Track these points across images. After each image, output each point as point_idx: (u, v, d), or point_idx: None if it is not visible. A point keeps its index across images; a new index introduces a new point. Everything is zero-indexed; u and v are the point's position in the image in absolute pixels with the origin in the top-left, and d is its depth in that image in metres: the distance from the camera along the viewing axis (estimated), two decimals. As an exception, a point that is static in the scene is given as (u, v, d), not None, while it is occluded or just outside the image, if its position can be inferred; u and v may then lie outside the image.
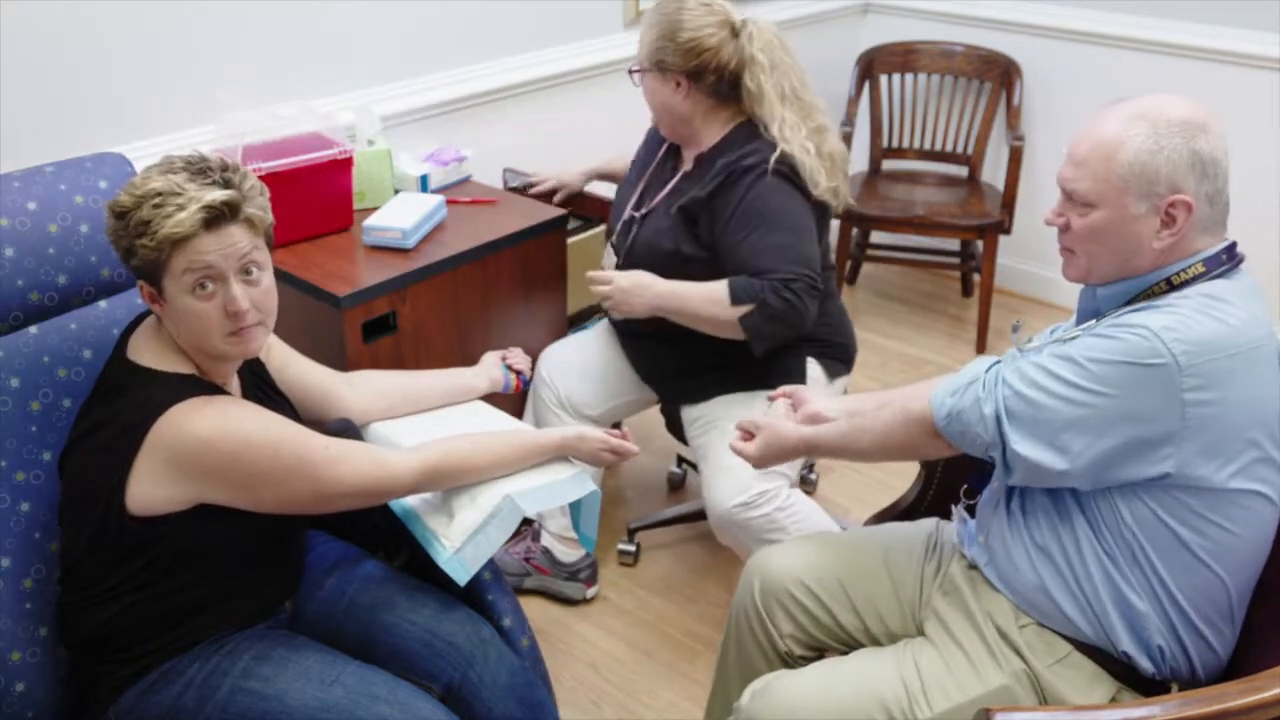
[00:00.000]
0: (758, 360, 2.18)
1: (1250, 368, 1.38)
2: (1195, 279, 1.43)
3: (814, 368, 2.29)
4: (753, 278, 2.08)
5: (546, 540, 2.51)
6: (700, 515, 2.78)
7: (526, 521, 2.46)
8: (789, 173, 2.12)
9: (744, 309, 2.07)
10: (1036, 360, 1.46)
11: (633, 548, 2.68)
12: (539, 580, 2.54)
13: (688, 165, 2.25)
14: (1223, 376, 1.36)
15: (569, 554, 2.52)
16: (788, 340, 2.16)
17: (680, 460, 2.99)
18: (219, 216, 1.40)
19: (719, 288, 2.10)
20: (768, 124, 2.15)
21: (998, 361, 1.56)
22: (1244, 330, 1.38)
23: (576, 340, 2.53)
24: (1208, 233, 1.44)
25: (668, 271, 2.17)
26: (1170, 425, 1.37)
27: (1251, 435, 1.40)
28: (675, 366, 2.32)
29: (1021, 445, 1.44)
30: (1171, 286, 1.43)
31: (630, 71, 2.24)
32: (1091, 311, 1.53)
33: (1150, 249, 1.43)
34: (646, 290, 2.16)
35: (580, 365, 2.44)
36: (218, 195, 1.40)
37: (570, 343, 2.52)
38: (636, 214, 2.29)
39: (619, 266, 2.29)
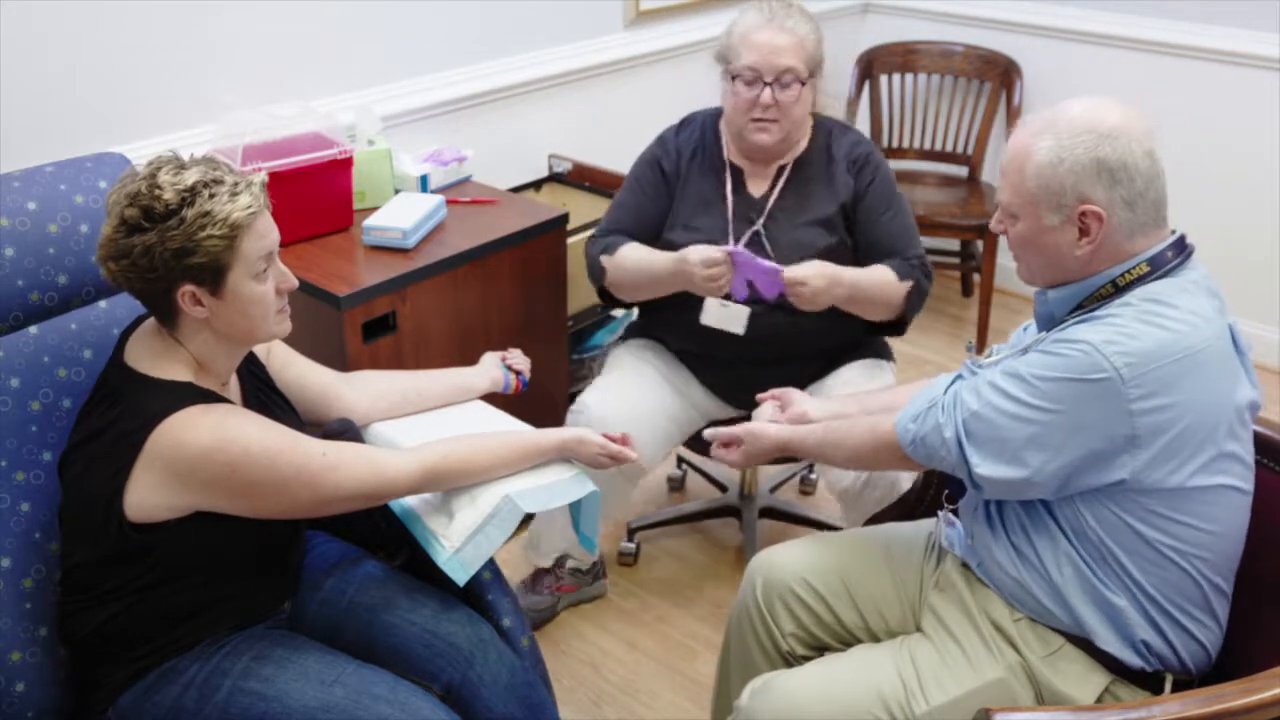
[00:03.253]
0: (858, 343, 2.30)
1: (1197, 369, 1.38)
2: (1141, 279, 1.43)
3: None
4: (899, 258, 2.19)
5: (572, 562, 2.47)
6: (700, 515, 2.78)
7: (524, 522, 2.46)
8: None
9: (908, 285, 2.19)
10: (989, 379, 1.47)
11: (633, 546, 2.68)
12: (570, 597, 2.51)
13: (764, 182, 2.23)
14: (1169, 383, 1.36)
15: (588, 558, 2.49)
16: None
17: (680, 461, 2.99)
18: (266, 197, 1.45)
19: (887, 271, 2.19)
20: (827, 114, 2.24)
21: (957, 378, 1.57)
22: (1187, 334, 1.39)
23: (621, 390, 2.26)
24: (1137, 235, 1.44)
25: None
26: (1121, 436, 1.38)
27: (1207, 435, 1.40)
28: (776, 383, 2.06)
29: (984, 466, 1.46)
30: (1117, 289, 1.44)
31: (801, 83, 2.12)
32: (1046, 316, 1.54)
33: (1073, 257, 1.45)
34: (839, 284, 2.12)
35: (631, 417, 2.18)
36: (257, 176, 1.45)
37: (615, 392, 2.25)
38: (758, 228, 2.20)
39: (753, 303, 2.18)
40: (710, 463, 2.64)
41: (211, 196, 1.38)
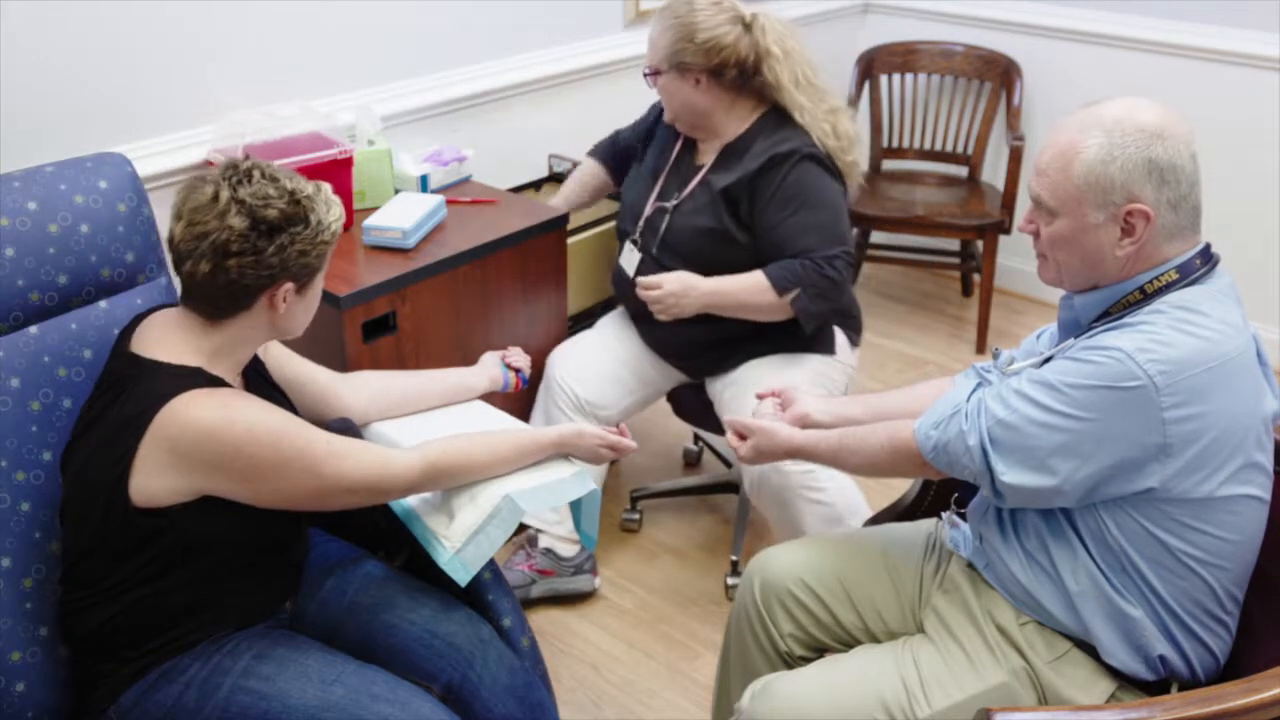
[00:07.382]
0: (788, 327, 2.28)
1: (1228, 379, 1.38)
2: (1169, 286, 1.42)
3: (840, 335, 2.40)
4: (791, 259, 2.19)
5: (546, 541, 2.51)
6: (701, 489, 2.88)
7: (523, 526, 2.46)
8: (824, 158, 2.23)
9: (792, 293, 2.18)
10: (1016, 386, 1.46)
11: (636, 516, 2.77)
12: (546, 584, 2.52)
13: (709, 157, 2.33)
14: (1201, 391, 1.36)
15: (571, 549, 2.51)
16: (832, 314, 2.29)
17: (696, 438, 3.04)
18: None
19: (760, 277, 2.20)
20: (792, 112, 2.25)
21: (979, 385, 1.56)
22: (1219, 342, 1.38)
23: (585, 341, 2.52)
24: (1175, 239, 1.43)
25: (710, 251, 2.27)
26: (1153, 444, 1.37)
27: (1235, 444, 1.40)
28: (706, 341, 2.37)
29: (1009, 474, 1.45)
30: (1146, 295, 1.43)
31: (645, 74, 2.29)
32: (1071, 321, 1.53)
33: (1114, 257, 1.43)
34: (694, 290, 2.24)
35: (595, 366, 2.44)
36: (326, 185, 1.54)
37: (580, 344, 2.51)
38: (667, 205, 2.34)
39: (648, 259, 2.35)
40: (720, 439, 2.71)
41: (324, 205, 1.50)
